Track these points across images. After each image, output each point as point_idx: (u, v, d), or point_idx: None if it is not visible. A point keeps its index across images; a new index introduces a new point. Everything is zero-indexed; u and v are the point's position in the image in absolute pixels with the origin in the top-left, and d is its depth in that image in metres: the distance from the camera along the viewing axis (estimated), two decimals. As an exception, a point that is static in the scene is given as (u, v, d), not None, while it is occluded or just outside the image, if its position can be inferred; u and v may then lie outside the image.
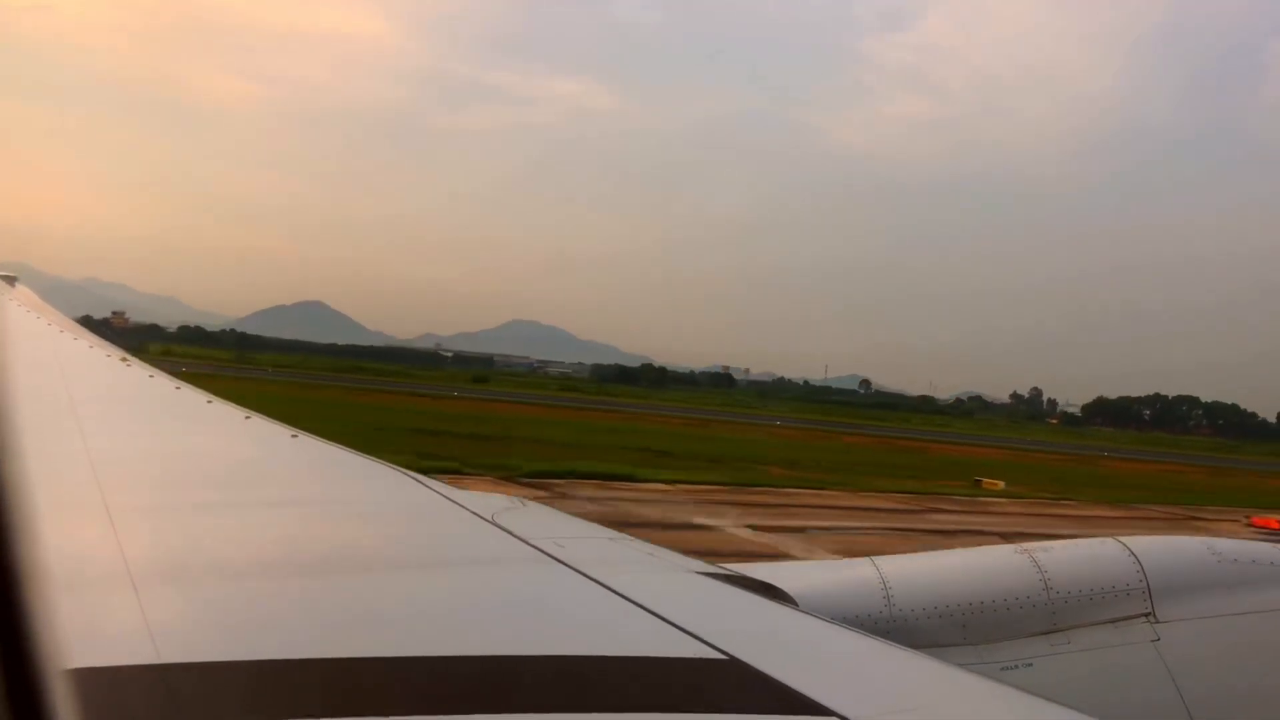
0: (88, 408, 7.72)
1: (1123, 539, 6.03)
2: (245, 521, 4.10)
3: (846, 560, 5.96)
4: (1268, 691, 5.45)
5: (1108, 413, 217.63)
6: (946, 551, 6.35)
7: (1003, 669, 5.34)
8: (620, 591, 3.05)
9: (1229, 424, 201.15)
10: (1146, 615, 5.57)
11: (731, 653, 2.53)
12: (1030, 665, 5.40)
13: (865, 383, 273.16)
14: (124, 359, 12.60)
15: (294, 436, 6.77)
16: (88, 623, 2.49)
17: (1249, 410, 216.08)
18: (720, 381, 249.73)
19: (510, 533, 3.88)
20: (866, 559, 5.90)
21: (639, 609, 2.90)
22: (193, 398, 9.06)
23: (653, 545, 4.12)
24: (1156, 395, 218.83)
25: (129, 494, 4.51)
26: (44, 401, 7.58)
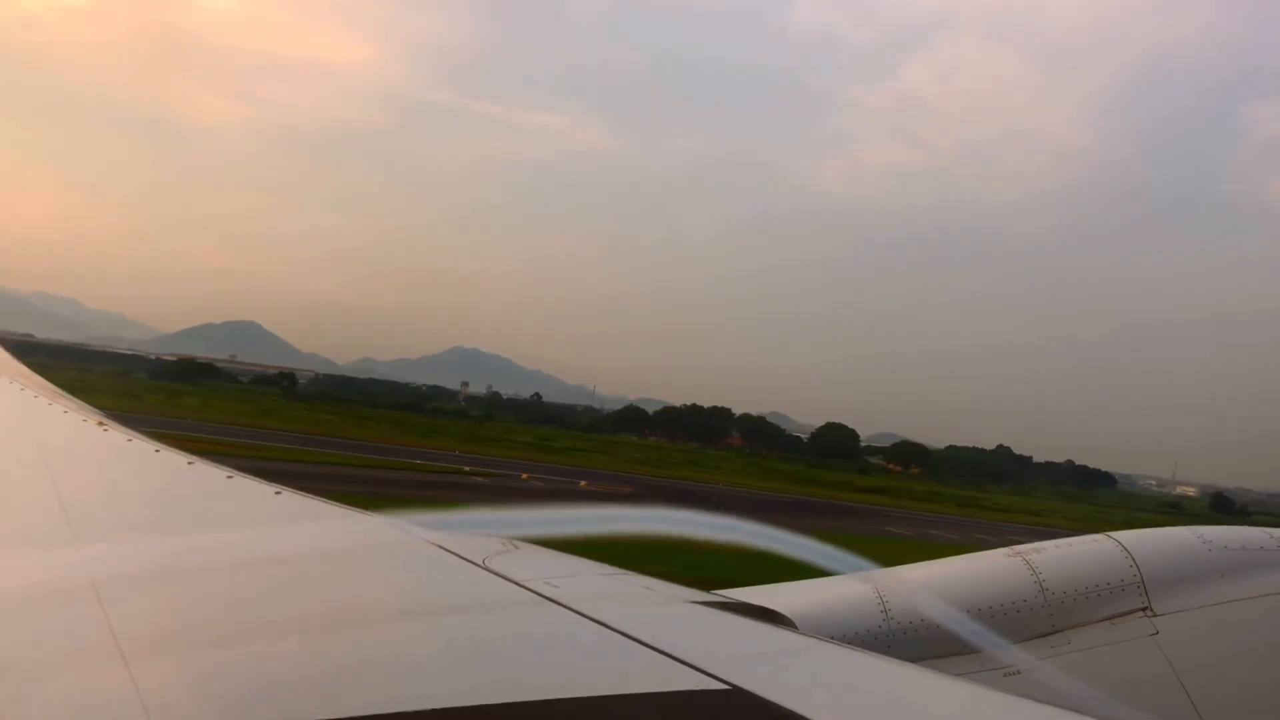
0: (67, 479, 7.45)
1: (1114, 535, 6.03)
2: (234, 584, 3.99)
3: (842, 577, 5.88)
4: (1268, 677, 5.46)
5: (650, 423, 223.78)
6: (940, 560, 6.30)
7: (1005, 675, 5.32)
8: (618, 628, 3.00)
9: (756, 436, 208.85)
10: (1143, 609, 5.57)
11: (734, 682, 2.48)
12: (1032, 669, 5.38)
13: (537, 395, 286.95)
14: (100, 423, 12.16)
15: (278, 494, 6.61)
16: (81, 707, 2.46)
17: (777, 425, 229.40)
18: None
19: (503, 576, 3.77)
20: (862, 574, 5.86)
21: (638, 644, 2.84)
22: (173, 460, 8.78)
23: (649, 578, 4.01)
24: (694, 406, 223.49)
25: (114, 566, 4.37)
26: (21, 476, 7.44)
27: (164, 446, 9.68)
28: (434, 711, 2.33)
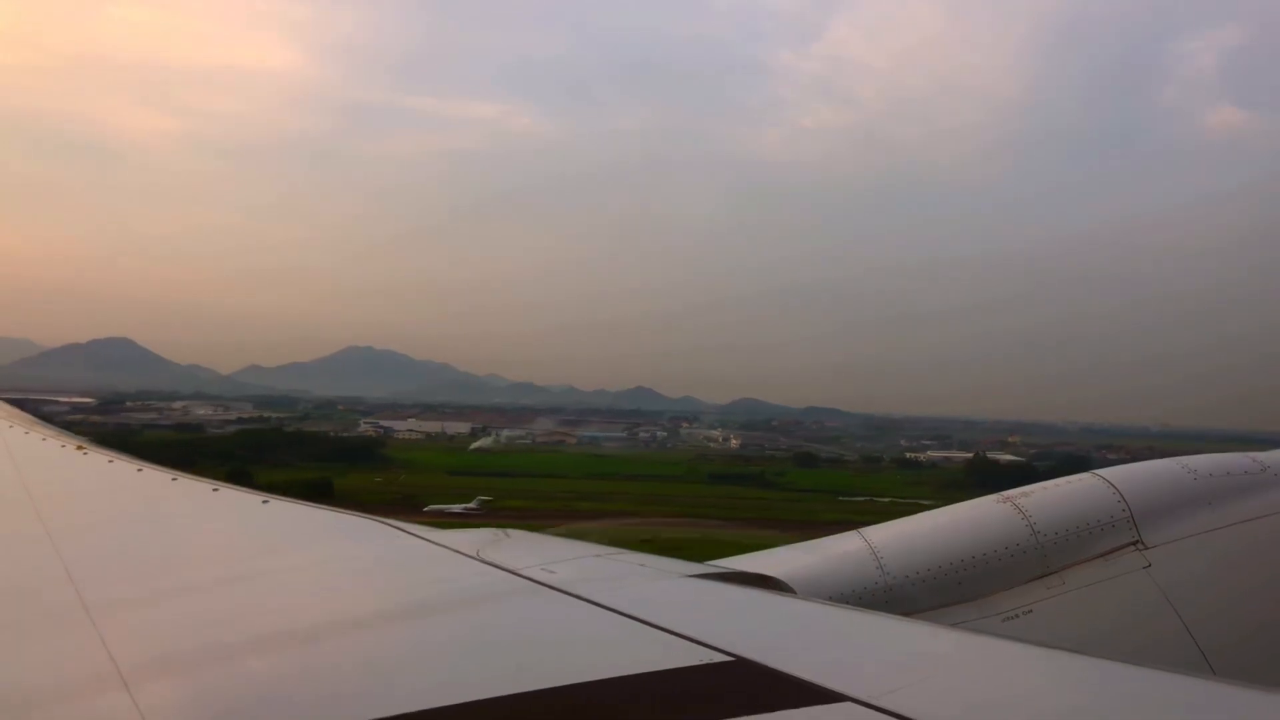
0: (51, 503, 7.64)
1: (1100, 472, 6.09)
2: (233, 597, 4.01)
3: (834, 536, 5.88)
4: (1259, 598, 5.53)
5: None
6: (930, 512, 6.26)
7: (1004, 620, 5.36)
8: (618, 609, 3.00)
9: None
10: (1134, 544, 5.61)
11: (737, 653, 2.48)
12: (1030, 612, 5.42)
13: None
14: (80, 447, 12.69)
15: (265, 503, 6.74)
16: None
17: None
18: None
19: (499, 566, 3.80)
20: (853, 531, 5.81)
21: (639, 624, 2.84)
22: (157, 477, 9.09)
23: (643, 555, 4.00)
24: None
25: (110, 588, 4.38)
26: (7, 502, 7.74)
27: (146, 465, 10.10)
28: (439, 710, 2.31)
